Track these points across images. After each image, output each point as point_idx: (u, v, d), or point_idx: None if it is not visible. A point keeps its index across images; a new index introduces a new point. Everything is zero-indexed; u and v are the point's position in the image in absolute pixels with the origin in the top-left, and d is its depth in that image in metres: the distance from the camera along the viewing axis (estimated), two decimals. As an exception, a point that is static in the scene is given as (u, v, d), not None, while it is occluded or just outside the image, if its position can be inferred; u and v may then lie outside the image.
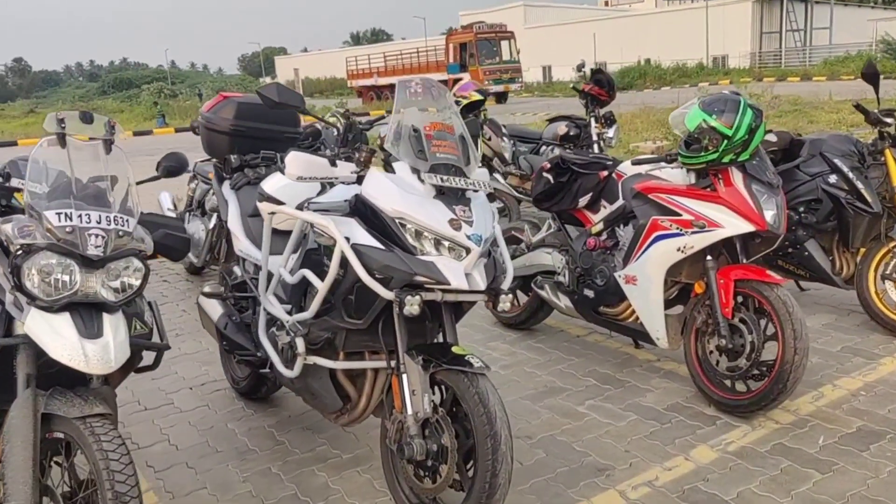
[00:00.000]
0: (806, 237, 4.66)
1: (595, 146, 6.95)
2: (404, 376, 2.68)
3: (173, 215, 6.12)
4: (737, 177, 3.49)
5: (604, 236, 4.06)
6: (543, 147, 7.56)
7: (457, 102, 6.85)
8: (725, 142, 3.35)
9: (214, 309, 3.70)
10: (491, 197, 3.34)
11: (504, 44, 34.14)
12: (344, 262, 2.67)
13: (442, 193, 2.64)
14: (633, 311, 3.91)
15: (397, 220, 2.61)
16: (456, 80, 34.31)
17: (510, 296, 2.79)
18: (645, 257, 3.71)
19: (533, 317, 4.72)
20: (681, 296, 3.93)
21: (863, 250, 4.51)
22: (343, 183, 2.95)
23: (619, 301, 3.96)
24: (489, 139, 6.58)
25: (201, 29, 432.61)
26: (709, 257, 3.58)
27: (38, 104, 55.36)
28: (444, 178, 2.63)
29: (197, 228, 6.09)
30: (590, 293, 4.07)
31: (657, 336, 3.80)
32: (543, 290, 4.43)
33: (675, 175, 3.71)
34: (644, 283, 3.74)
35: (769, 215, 3.45)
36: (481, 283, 2.61)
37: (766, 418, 3.47)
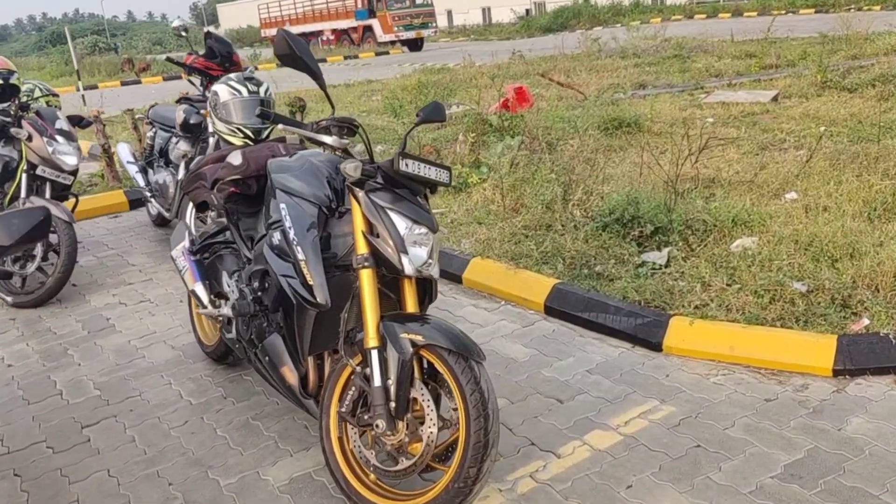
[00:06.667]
0: (269, 330, 2.82)
1: (212, 139, 5.00)
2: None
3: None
4: None
5: None
6: (174, 139, 5.62)
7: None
8: None
9: None
10: None
11: (416, -14, 31.52)
12: None
13: None
14: None
15: None
16: (365, 28, 31.85)
17: None
18: None
19: None
20: None
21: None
22: None
23: None
24: (28, 140, 4.56)
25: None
26: None
27: (-21, 59, 51.39)
28: None
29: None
30: None
31: None
32: None
33: None
34: None
35: None
36: None
37: None
